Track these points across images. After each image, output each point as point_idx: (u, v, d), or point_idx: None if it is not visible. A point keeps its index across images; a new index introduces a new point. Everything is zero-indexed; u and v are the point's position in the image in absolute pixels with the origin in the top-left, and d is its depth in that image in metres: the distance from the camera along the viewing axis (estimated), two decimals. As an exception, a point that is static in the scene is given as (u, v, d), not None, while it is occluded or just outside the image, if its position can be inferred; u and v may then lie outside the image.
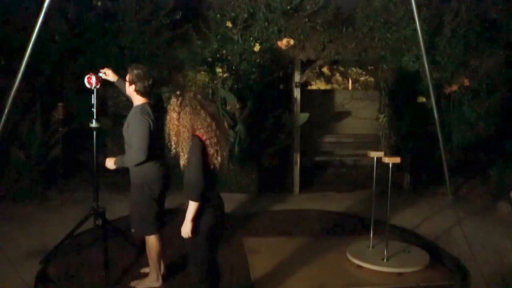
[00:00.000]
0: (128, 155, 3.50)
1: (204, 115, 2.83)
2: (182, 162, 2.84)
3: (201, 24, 6.59)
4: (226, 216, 3.14)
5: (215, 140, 2.83)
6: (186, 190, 2.85)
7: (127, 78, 3.58)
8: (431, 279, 3.94)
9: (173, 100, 2.89)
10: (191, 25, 6.64)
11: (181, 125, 2.81)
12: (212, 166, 2.85)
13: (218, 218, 2.97)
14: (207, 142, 2.81)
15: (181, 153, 2.83)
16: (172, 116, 2.84)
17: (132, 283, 3.78)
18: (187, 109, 2.81)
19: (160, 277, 3.74)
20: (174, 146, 2.86)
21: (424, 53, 4.28)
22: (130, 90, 3.57)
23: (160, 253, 3.70)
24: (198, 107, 2.83)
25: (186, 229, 2.86)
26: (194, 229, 2.88)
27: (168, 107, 2.90)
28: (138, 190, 3.56)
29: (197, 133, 2.82)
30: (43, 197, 6.02)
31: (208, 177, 2.84)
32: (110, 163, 3.60)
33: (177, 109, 2.83)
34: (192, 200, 2.82)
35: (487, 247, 4.61)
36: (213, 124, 2.83)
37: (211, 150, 2.82)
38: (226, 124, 3.00)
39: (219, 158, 2.86)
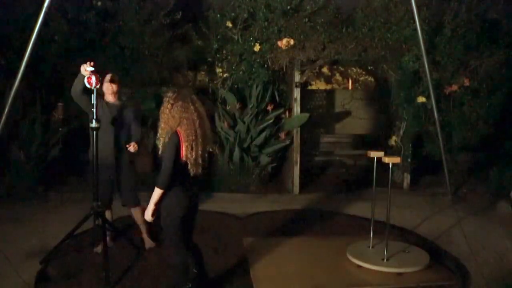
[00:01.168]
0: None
1: (192, 111, 3.15)
2: (160, 146, 3.18)
3: (201, 24, 6.60)
4: (197, 209, 3.44)
5: (193, 137, 3.12)
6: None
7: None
8: (431, 279, 3.94)
9: (170, 94, 3.25)
10: (191, 25, 6.64)
11: (171, 115, 3.14)
12: (184, 159, 3.12)
13: (189, 209, 3.28)
14: (184, 136, 3.11)
15: (161, 138, 3.17)
16: (165, 106, 3.18)
17: (147, 246, 4.45)
18: (180, 102, 3.15)
19: None
20: (160, 131, 3.19)
21: (424, 53, 4.27)
22: None
23: None
24: (190, 103, 3.17)
25: (148, 212, 3.20)
26: (167, 218, 3.21)
27: (164, 98, 3.25)
28: (132, 168, 4.40)
29: (178, 129, 3.12)
30: (43, 197, 6.03)
31: (179, 169, 3.13)
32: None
33: (171, 101, 3.17)
34: (157, 186, 3.13)
35: (487, 247, 4.61)
36: (197, 122, 3.15)
37: (185, 144, 3.11)
38: (210, 128, 3.37)
39: (193, 153, 3.13)
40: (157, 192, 3.14)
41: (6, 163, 6.08)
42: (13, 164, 6.10)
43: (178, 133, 3.12)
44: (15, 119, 6.04)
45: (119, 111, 4.26)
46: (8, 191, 5.93)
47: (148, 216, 3.21)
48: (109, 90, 4.27)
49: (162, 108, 3.22)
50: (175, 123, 3.13)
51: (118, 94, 4.34)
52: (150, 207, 3.18)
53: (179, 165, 3.12)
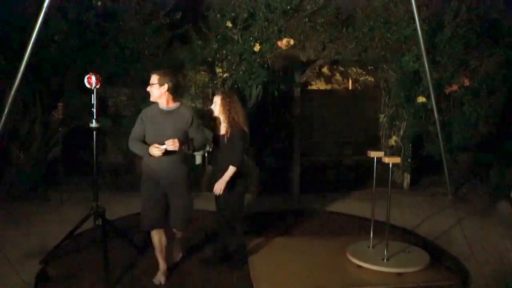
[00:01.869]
0: (199, 143, 3.71)
1: (240, 104, 3.95)
2: (223, 131, 3.87)
3: (201, 24, 6.59)
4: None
5: (246, 123, 3.92)
6: (230, 159, 3.78)
7: (161, 82, 3.60)
8: (431, 279, 3.94)
9: (219, 94, 3.95)
10: (191, 25, 6.63)
11: (234, 108, 3.82)
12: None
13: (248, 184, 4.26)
14: (244, 124, 3.89)
15: (228, 127, 3.82)
16: (224, 100, 3.84)
17: (158, 281, 3.76)
18: (235, 96, 3.93)
19: None
20: (223, 120, 3.85)
21: (424, 53, 4.27)
22: (163, 91, 3.60)
23: None
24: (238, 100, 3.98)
25: (220, 186, 3.80)
26: (234, 191, 3.87)
27: (218, 96, 3.90)
28: (187, 182, 3.73)
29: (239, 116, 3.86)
30: (43, 197, 6.03)
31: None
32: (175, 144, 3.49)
33: (227, 96, 3.89)
34: (235, 165, 3.77)
35: (487, 247, 4.61)
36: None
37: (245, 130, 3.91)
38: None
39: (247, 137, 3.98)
40: (232, 170, 3.76)
41: (6, 163, 6.08)
42: (13, 164, 6.10)
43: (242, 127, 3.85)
44: (15, 119, 6.04)
45: (169, 118, 3.63)
46: (8, 191, 5.92)
47: (221, 188, 3.78)
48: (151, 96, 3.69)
49: (220, 103, 3.83)
50: (240, 114, 3.82)
51: (166, 99, 3.65)
52: (224, 183, 3.77)
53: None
